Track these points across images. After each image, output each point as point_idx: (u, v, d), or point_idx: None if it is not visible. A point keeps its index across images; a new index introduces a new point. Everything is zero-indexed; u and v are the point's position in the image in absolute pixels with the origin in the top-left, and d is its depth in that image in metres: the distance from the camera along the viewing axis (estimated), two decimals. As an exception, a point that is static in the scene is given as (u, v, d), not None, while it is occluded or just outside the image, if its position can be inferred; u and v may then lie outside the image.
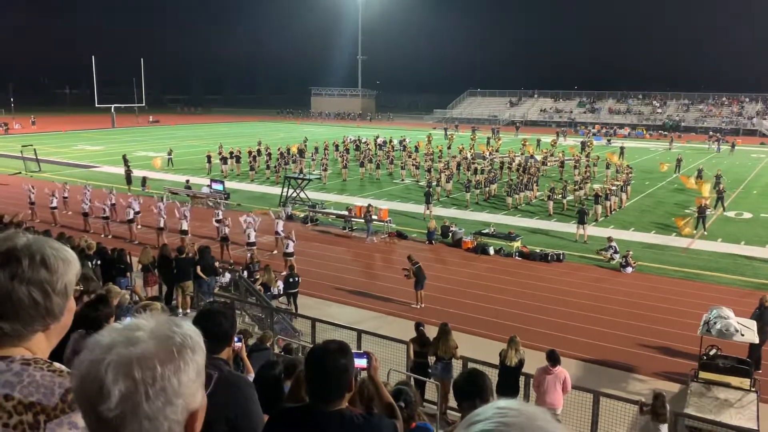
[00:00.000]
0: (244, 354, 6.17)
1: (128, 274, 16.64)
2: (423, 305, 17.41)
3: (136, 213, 24.56)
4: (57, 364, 1.56)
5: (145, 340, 1.17)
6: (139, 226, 24.91)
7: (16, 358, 1.52)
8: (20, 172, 39.63)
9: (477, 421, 0.98)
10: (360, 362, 3.13)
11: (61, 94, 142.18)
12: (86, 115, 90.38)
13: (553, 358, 10.50)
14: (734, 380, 11.78)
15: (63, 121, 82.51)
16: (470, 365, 11.09)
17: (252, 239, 21.30)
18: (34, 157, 41.36)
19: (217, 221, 23.21)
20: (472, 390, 4.30)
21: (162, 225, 23.19)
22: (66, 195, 27.99)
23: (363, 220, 25.36)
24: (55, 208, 26.26)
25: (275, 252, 22.12)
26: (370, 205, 25.44)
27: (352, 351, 2.85)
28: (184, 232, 22.75)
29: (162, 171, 40.01)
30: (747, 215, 29.48)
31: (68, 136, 66.08)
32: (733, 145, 57.50)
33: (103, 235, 23.80)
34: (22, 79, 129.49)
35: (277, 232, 22.47)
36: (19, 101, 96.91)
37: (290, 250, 19.96)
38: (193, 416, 1.21)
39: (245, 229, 21.51)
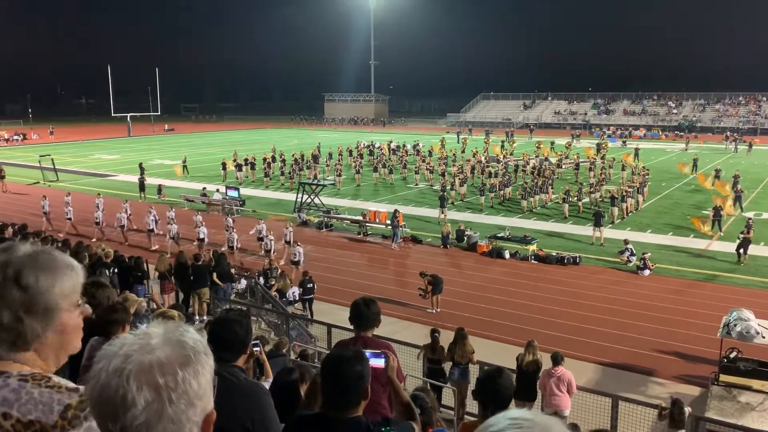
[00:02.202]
0: (265, 357, 6.17)
1: (145, 281, 16.71)
2: (439, 310, 17.36)
3: (156, 221, 24.72)
4: (56, 379, 1.50)
5: (160, 346, 1.18)
6: (159, 233, 25.04)
7: (13, 374, 1.46)
8: (38, 182, 40.11)
9: None
10: (376, 362, 3.05)
11: (78, 104, 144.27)
12: (103, 125, 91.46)
13: (554, 359, 10.44)
14: (756, 383, 11.60)
15: (80, 131, 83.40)
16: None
17: (270, 246, 21.31)
18: (52, 166, 41.87)
19: (227, 229, 23.18)
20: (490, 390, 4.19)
21: (174, 233, 23.23)
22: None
23: (385, 226, 25.31)
24: (69, 219, 26.36)
25: (283, 261, 22.01)
26: (396, 210, 25.17)
27: (370, 350, 2.82)
28: (201, 240, 22.86)
29: (179, 179, 40.35)
30: (766, 215, 29.09)
31: (85, 145, 66.81)
32: (750, 145, 56.69)
33: (120, 243, 23.98)
34: (40, 89, 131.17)
35: (287, 242, 22.19)
36: (36, 112, 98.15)
37: (296, 259, 19.86)
38: (208, 417, 1.23)
39: (260, 235, 21.54)
